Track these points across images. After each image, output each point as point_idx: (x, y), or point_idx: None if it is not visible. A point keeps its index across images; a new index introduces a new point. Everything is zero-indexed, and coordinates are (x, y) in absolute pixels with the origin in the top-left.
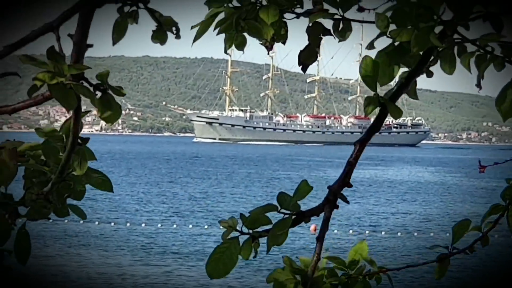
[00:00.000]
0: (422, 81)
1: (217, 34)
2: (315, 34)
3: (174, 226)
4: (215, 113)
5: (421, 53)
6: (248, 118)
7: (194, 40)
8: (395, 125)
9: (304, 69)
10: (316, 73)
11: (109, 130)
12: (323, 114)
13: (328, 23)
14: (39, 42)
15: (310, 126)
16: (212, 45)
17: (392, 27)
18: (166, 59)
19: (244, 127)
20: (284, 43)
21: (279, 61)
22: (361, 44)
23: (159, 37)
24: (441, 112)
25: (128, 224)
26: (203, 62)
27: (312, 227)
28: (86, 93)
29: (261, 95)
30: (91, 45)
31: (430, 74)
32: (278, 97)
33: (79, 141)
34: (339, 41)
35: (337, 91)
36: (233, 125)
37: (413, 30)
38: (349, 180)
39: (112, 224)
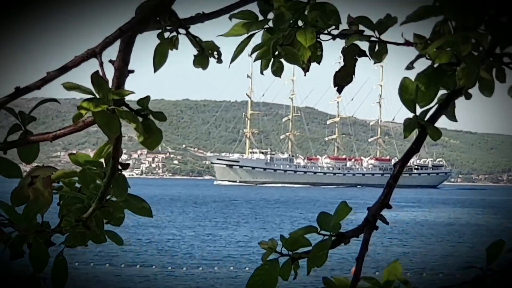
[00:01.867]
0: (462, 123)
1: (254, 60)
2: (351, 55)
3: (216, 268)
4: (236, 156)
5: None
6: (268, 161)
7: (232, 61)
8: (416, 167)
9: (340, 90)
10: (336, 115)
11: (150, 174)
12: (344, 156)
13: (363, 44)
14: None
15: (331, 168)
16: (252, 88)
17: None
18: (206, 102)
19: (264, 169)
20: (319, 63)
21: (299, 103)
22: (381, 85)
23: (201, 61)
24: (481, 153)
25: (169, 268)
26: (243, 105)
27: (353, 269)
28: (130, 118)
29: (282, 137)
30: (132, 71)
31: (468, 96)
32: (299, 139)
33: (119, 167)
34: (374, 63)
35: (357, 133)
36: (253, 168)
37: (453, 52)
38: (388, 202)
39: (154, 267)
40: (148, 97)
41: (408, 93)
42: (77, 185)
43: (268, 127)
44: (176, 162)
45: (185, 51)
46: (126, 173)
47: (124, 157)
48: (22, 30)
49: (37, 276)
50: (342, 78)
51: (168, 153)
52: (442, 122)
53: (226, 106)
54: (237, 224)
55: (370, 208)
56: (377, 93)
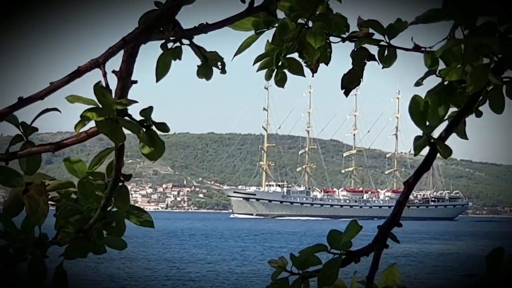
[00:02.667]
0: (487, 155)
1: (257, 70)
2: (360, 58)
3: None
4: (252, 189)
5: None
6: (285, 193)
7: (235, 55)
8: (433, 199)
9: (347, 93)
10: (353, 147)
11: (175, 208)
12: (360, 189)
13: (373, 49)
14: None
15: (347, 201)
16: (278, 122)
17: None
18: (231, 135)
19: (281, 202)
20: (327, 64)
21: (316, 135)
22: (397, 117)
23: (204, 72)
24: (506, 185)
25: None
26: (269, 139)
27: None
28: (133, 128)
29: (298, 170)
30: (135, 81)
31: (479, 114)
32: (315, 172)
33: (121, 178)
34: (382, 68)
35: (374, 165)
36: (270, 201)
37: (463, 68)
38: (398, 220)
39: None
40: (151, 108)
41: (419, 111)
42: (73, 196)
43: (285, 159)
44: (201, 195)
45: (212, 83)
46: (150, 206)
47: (149, 190)
48: (25, 41)
49: None
50: (350, 81)
51: (193, 187)
52: (468, 155)
53: (252, 139)
54: (262, 254)
55: (380, 227)
56: (394, 125)
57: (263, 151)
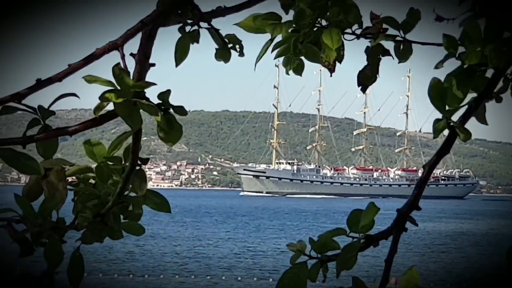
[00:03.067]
0: (502, 134)
1: (275, 58)
2: (375, 54)
3: (255, 279)
4: (262, 166)
5: (489, 76)
6: (295, 171)
7: (257, 61)
8: (443, 177)
9: (364, 90)
10: (363, 125)
11: (189, 185)
12: (370, 167)
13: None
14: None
15: (357, 179)
16: (291, 99)
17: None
18: (245, 113)
19: (291, 180)
20: (340, 62)
21: (326, 113)
22: (408, 96)
23: (222, 55)
24: None
25: (208, 277)
26: (283, 117)
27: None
28: (152, 111)
29: (308, 147)
30: (153, 64)
31: (499, 99)
32: (328, 150)
33: (139, 161)
34: (399, 62)
35: (384, 143)
36: (280, 178)
37: (483, 52)
38: (417, 203)
39: (192, 277)
40: (168, 91)
41: (438, 94)
42: (91, 181)
43: (298, 137)
44: (215, 173)
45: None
46: (164, 183)
47: (163, 168)
48: (43, 23)
49: (52, 272)
50: (366, 78)
51: (207, 164)
52: (482, 134)
53: (266, 117)
54: (277, 231)
55: (400, 210)
56: (404, 104)
57: (273, 129)
